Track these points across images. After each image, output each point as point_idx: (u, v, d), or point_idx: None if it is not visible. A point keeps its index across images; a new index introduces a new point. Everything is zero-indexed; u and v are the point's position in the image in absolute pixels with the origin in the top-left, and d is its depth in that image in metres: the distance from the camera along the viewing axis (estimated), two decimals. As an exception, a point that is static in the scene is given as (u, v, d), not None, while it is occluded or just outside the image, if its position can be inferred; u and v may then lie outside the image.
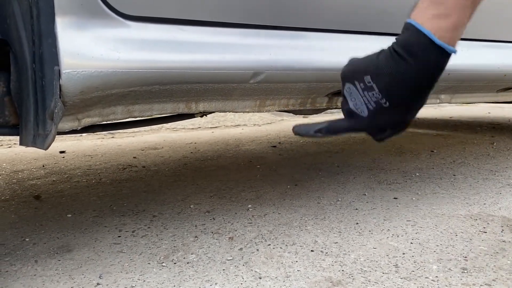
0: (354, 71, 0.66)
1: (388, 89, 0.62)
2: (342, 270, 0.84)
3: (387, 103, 0.63)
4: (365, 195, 1.32)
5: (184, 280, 0.81)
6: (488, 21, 1.23)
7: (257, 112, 0.97)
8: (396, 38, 0.62)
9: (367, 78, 0.63)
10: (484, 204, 1.23)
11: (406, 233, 1.02)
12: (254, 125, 3.04)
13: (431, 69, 0.61)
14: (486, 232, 1.03)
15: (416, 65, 0.60)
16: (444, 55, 0.60)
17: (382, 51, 0.64)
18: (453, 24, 0.59)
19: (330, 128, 0.72)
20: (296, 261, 0.88)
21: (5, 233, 1.04)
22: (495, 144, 2.18)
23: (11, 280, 0.81)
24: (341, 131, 0.72)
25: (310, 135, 0.75)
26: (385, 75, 0.62)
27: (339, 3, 0.95)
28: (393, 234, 1.02)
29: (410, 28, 0.60)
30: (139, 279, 0.81)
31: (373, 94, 0.63)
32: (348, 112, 0.69)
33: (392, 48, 0.62)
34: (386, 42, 0.64)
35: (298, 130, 0.77)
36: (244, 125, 3.04)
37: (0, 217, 1.15)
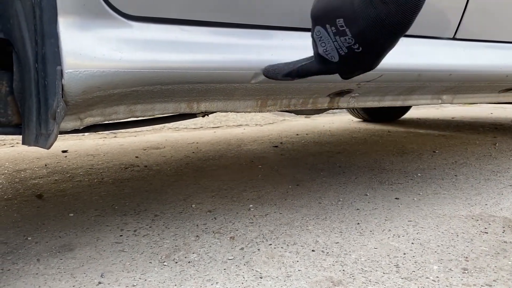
0: (326, 12, 0.62)
1: (363, 34, 0.59)
2: (343, 270, 0.84)
3: (360, 48, 0.60)
4: (367, 195, 1.32)
5: (185, 279, 0.81)
6: (490, 22, 1.23)
7: (259, 112, 0.97)
8: None
9: (340, 22, 0.60)
10: (486, 204, 1.23)
11: (407, 233, 1.02)
12: (256, 125, 3.04)
13: (410, 11, 0.58)
14: (487, 232, 1.03)
15: (396, 8, 0.57)
16: None
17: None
18: None
19: (300, 72, 0.70)
20: (297, 261, 0.88)
21: (7, 232, 1.04)
22: (497, 144, 2.18)
23: (13, 278, 0.82)
24: (310, 74, 0.70)
25: (279, 79, 0.72)
26: (361, 19, 0.59)
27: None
28: (394, 234, 1.02)
29: None
30: (140, 278, 0.82)
31: (346, 39, 0.60)
32: (318, 56, 0.66)
33: None
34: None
35: (267, 73, 0.73)
36: (246, 125, 3.04)
37: (2, 216, 1.16)
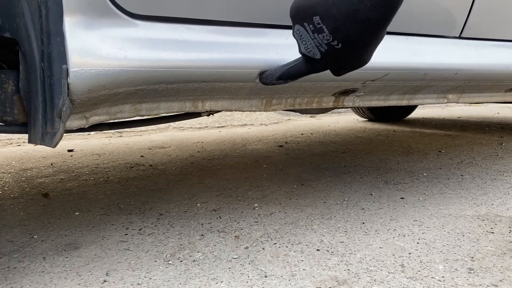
0: (302, 10, 0.62)
1: (338, 30, 0.58)
2: (348, 270, 0.84)
3: (340, 45, 0.59)
4: (372, 195, 1.31)
5: (190, 278, 0.81)
6: (496, 20, 1.23)
7: (263, 111, 0.97)
8: None
9: (316, 19, 0.59)
10: (492, 204, 1.23)
11: (412, 233, 1.02)
12: (261, 124, 3.04)
13: (386, 6, 0.57)
14: (493, 232, 1.02)
15: (370, 3, 0.56)
16: None
17: None
18: None
19: (290, 74, 0.69)
20: (302, 260, 0.88)
21: (13, 230, 1.05)
22: (503, 144, 2.16)
23: (20, 276, 0.82)
24: (300, 75, 0.69)
25: (274, 83, 0.71)
26: (335, 15, 0.58)
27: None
28: (399, 234, 1.01)
29: None
30: (145, 277, 0.82)
31: (324, 36, 0.59)
32: (303, 56, 0.65)
33: None
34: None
35: (262, 79, 0.73)
36: (251, 124, 3.04)
37: (9, 215, 1.16)
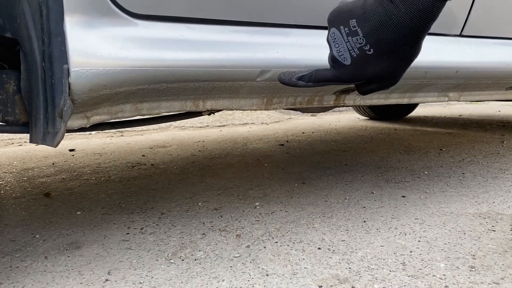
0: (340, 13, 0.62)
1: (372, 34, 0.58)
2: (349, 268, 0.84)
3: (371, 50, 0.59)
4: (373, 193, 1.31)
5: (191, 277, 0.81)
6: (497, 18, 1.22)
7: (264, 110, 0.97)
8: None
9: (353, 22, 0.60)
10: (493, 202, 1.23)
11: (413, 231, 1.02)
12: (262, 123, 3.04)
13: (422, 16, 0.57)
14: (495, 230, 1.02)
15: (405, 9, 0.56)
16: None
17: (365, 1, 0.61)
18: None
19: (314, 77, 0.68)
20: (303, 259, 0.88)
21: (15, 230, 1.05)
22: (505, 142, 2.16)
23: (22, 275, 0.83)
24: (324, 80, 0.67)
25: (292, 82, 0.70)
26: (370, 19, 0.59)
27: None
28: (400, 232, 1.01)
29: None
30: (147, 276, 0.82)
31: (357, 39, 0.60)
32: (332, 60, 0.65)
33: None
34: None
35: (282, 78, 0.72)
36: (252, 123, 3.04)
37: (11, 214, 1.17)
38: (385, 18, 0.58)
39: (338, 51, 0.63)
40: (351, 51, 0.61)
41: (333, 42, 0.63)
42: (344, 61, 0.62)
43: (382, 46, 0.59)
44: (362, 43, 0.60)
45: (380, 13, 0.58)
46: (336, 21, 0.63)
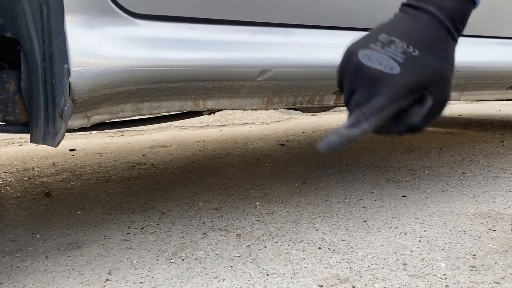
0: (361, 41, 0.60)
1: (410, 35, 0.57)
2: (350, 267, 0.84)
3: (416, 51, 0.57)
4: (373, 193, 1.31)
5: (192, 277, 0.81)
6: (498, 18, 1.22)
7: (265, 109, 0.97)
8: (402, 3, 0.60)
9: (382, 36, 0.58)
10: (494, 202, 1.23)
11: (414, 231, 1.02)
12: (262, 123, 3.04)
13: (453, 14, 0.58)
14: (495, 230, 1.02)
15: (436, 11, 0.57)
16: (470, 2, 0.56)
17: (386, 21, 0.60)
18: None
19: (365, 114, 0.57)
20: (304, 258, 0.88)
21: (16, 230, 1.05)
22: (505, 142, 2.16)
23: (22, 275, 0.83)
24: (379, 107, 0.57)
25: (345, 138, 0.57)
26: (401, 26, 0.58)
27: (348, 1, 0.95)
28: (401, 232, 1.01)
29: None
30: (147, 275, 0.82)
31: (397, 45, 0.57)
32: (376, 78, 0.57)
33: (402, 8, 0.60)
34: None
35: (326, 144, 0.58)
36: (252, 123, 3.04)
37: (11, 214, 1.17)
38: (417, 21, 0.58)
39: (380, 63, 0.57)
40: (395, 58, 0.57)
41: (368, 60, 0.58)
42: (392, 70, 0.57)
43: (422, 43, 0.57)
44: (403, 46, 0.57)
45: (409, 20, 0.58)
46: (361, 46, 0.59)
